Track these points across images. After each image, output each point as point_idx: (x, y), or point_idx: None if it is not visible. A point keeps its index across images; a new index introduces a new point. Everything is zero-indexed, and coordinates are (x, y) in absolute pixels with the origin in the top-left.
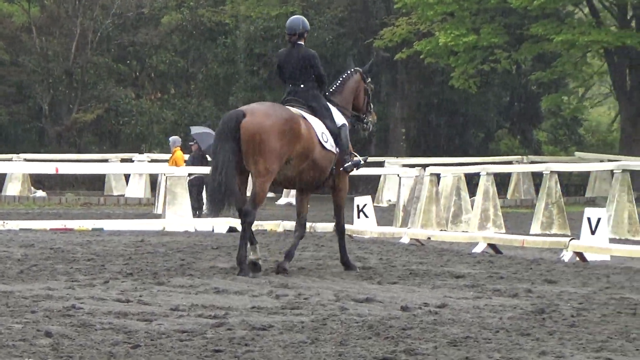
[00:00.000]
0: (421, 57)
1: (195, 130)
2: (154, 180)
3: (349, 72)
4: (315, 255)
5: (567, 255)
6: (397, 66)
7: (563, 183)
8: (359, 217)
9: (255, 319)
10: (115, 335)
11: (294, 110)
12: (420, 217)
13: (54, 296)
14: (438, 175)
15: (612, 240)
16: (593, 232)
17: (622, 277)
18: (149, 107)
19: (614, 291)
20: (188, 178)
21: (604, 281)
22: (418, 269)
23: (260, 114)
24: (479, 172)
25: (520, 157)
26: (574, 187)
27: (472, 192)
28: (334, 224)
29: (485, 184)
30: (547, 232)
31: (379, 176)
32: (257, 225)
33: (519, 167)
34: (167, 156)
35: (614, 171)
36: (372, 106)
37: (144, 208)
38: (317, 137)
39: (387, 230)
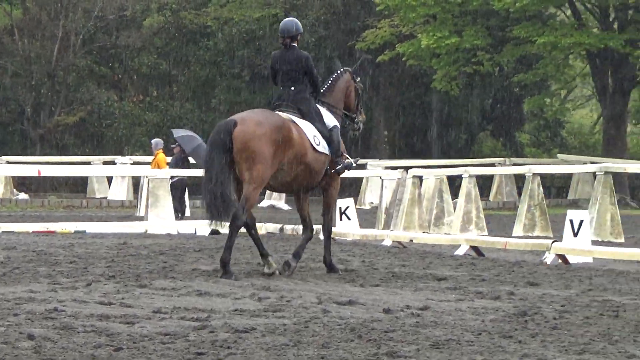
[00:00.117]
0: (403, 59)
1: (177, 133)
2: (136, 183)
3: (338, 72)
4: None
5: (549, 258)
6: (380, 68)
7: (545, 185)
8: (341, 219)
9: (238, 321)
10: (97, 338)
11: (284, 115)
12: (402, 220)
13: (37, 299)
14: (420, 178)
15: (594, 243)
16: (575, 235)
17: (605, 279)
18: (131, 110)
19: (596, 293)
20: (170, 180)
21: (586, 283)
22: (400, 271)
23: (251, 122)
24: (462, 174)
25: (502, 159)
26: (557, 189)
27: (455, 195)
28: (321, 225)
29: (468, 186)
30: (530, 235)
31: (362, 178)
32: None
33: (501, 169)
34: (149, 159)
35: (597, 173)
36: (361, 106)
37: (126, 210)
38: (309, 142)
39: (370, 232)
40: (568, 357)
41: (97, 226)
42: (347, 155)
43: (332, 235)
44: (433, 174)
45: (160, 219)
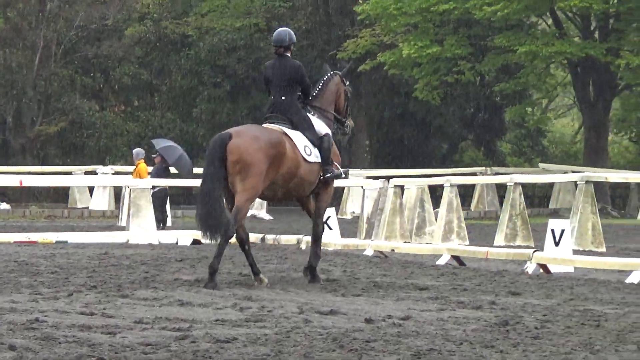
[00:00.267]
0: (385, 68)
1: (158, 144)
2: (118, 193)
3: (328, 75)
4: (279, 268)
5: (530, 267)
6: (361, 78)
7: (527, 194)
8: (323, 229)
9: (219, 331)
10: (79, 348)
11: (275, 127)
12: (384, 229)
13: (18, 309)
14: (402, 187)
15: (575, 252)
16: (557, 244)
17: (586, 288)
18: (112, 120)
19: (577, 303)
20: (152, 190)
21: (567, 293)
22: (382, 281)
23: (247, 136)
24: (443, 184)
25: (484, 168)
26: (538, 198)
27: (436, 204)
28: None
29: (449, 196)
30: (511, 244)
31: (343, 188)
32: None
33: (482, 178)
34: (131, 168)
35: (578, 182)
36: (349, 111)
37: (107, 220)
38: (301, 154)
39: (351, 242)
40: None
41: (78, 236)
42: (338, 165)
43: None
44: (414, 183)
45: (141, 229)
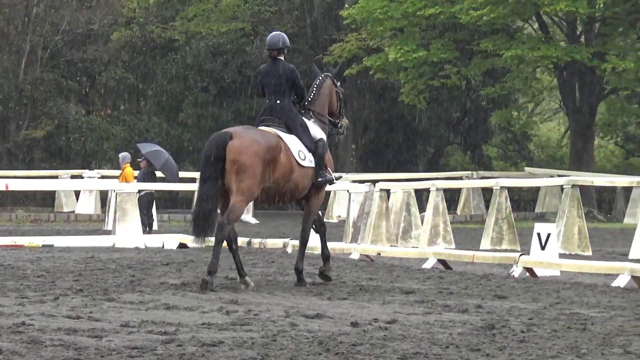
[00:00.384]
0: (371, 72)
1: (144, 148)
2: (104, 197)
3: (320, 78)
4: (265, 272)
5: (517, 271)
6: (347, 82)
7: (513, 198)
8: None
9: (206, 335)
10: (65, 352)
11: (271, 130)
12: (370, 233)
13: (4, 313)
14: (388, 191)
15: (562, 256)
16: (543, 248)
17: (572, 292)
18: (99, 124)
19: (564, 306)
20: (138, 194)
21: (554, 296)
22: (368, 284)
23: (246, 138)
24: (429, 188)
25: (470, 172)
26: (524, 202)
27: (422, 208)
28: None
29: (435, 200)
30: (497, 248)
31: (329, 192)
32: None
33: (468, 182)
34: (117, 172)
35: (564, 186)
36: (343, 110)
37: (94, 224)
38: (295, 158)
39: (337, 246)
40: None
41: (64, 240)
42: (330, 170)
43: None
44: (400, 187)
45: (127, 232)
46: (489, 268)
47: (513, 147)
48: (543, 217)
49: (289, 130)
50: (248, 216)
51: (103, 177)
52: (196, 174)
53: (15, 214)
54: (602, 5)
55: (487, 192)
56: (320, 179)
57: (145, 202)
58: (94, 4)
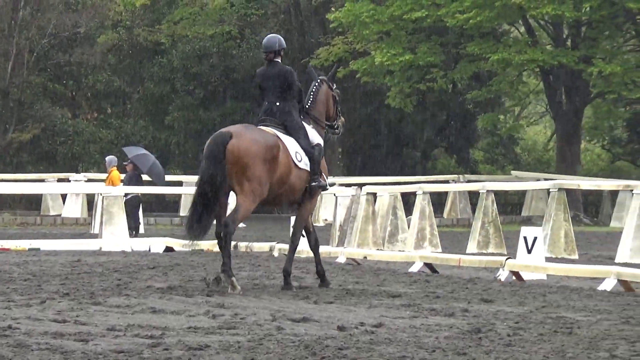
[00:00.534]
0: (357, 76)
1: (130, 152)
2: (90, 200)
3: (316, 84)
4: (252, 275)
5: (503, 274)
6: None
7: (499, 202)
8: None
9: (192, 339)
10: (52, 356)
11: (269, 130)
12: (356, 237)
13: None
14: (374, 195)
15: (548, 259)
16: (529, 251)
17: (559, 296)
18: (85, 127)
19: (550, 310)
20: (124, 198)
21: (540, 300)
22: (354, 288)
23: (247, 138)
24: (416, 191)
25: (456, 176)
26: (511, 206)
27: (409, 211)
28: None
29: (422, 203)
30: (484, 251)
31: None
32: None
33: (455, 186)
34: (103, 176)
35: (550, 190)
36: (340, 111)
37: (80, 228)
38: (292, 159)
39: (324, 249)
40: None
41: (51, 243)
42: (325, 177)
43: (284, 253)
44: (387, 191)
45: (114, 236)
46: (475, 272)
47: (499, 150)
48: (529, 221)
49: (287, 132)
50: None
51: (90, 180)
52: (182, 178)
53: (1, 218)
54: (588, 8)
55: (473, 196)
56: (314, 184)
57: (132, 205)
58: (80, 7)
